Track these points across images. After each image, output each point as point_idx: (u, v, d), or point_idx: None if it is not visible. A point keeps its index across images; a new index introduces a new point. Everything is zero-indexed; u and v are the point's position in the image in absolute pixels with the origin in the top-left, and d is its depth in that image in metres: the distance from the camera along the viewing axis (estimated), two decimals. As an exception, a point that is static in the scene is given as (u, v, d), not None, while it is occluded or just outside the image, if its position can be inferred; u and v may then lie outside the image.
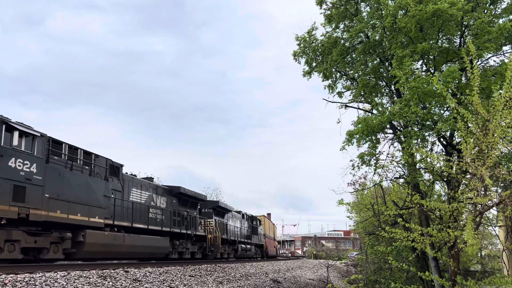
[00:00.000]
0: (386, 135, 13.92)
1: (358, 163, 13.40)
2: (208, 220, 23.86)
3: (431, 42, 11.86)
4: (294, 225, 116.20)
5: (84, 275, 9.21)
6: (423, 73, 12.37)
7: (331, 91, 15.91)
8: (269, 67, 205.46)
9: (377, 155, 13.32)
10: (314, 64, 15.29)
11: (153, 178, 21.04)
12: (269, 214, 57.96)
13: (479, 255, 21.80)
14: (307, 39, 15.05)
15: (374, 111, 14.02)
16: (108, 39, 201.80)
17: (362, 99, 15.00)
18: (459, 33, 12.35)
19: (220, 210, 26.05)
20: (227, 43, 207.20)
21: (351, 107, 15.88)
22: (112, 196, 14.54)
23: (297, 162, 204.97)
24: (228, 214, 27.46)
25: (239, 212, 31.71)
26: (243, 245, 29.23)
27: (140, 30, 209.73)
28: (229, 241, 26.59)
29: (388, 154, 13.76)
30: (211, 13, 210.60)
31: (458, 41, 12.71)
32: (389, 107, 12.77)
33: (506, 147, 7.86)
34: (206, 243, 22.09)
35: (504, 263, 11.53)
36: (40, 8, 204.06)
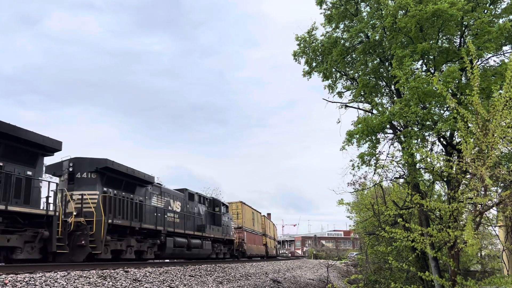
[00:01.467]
0: (386, 135, 13.93)
1: (358, 163, 13.40)
2: (79, 192, 14.19)
3: (431, 42, 11.86)
4: (294, 225, 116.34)
5: (84, 275, 9.22)
6: (423, 73, 12.36)
7: (331, 91, 15.91)
8: (267, 67, 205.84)
9: (377, 155, 13.31)
10: (314, 64, 15.28)
11: None
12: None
13: (479, 255, 21.79)
14: (307, 39, 15.05)
15: (374, 111, 14.02)
16: (106, 39, 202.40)
17: (362, 99, 14.99)
18: (459, 33, 12.35)
19: (118, 177, 15.52)
20: (224, 43, 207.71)
21: (351, 107, 15.89)
22: None
23: (297, 162, 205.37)
24: (148, 189, 17.59)
25: (182, 190, 21.44)
26: (181, 239, 19.00)
27: (137, 30, 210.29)
28: (143, 231, 16.50)
29: (388, 154, 13.76)
30: (208, 13, 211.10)
31: (458, 41, 12.71)
32: (389, 107, 12.77)
33: (506, 147, 7.85)
34: (52, 232, 11.70)
35: (504, 263, 11.52)
36: (37, 8, 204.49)
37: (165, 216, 18.40)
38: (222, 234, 24.85)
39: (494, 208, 7.86)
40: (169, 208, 19.28)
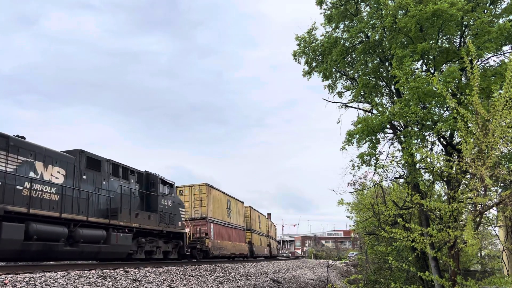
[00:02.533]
0: (386, 135, 13.94)
1: (358, 163, 13.42)
2: None
3: (431, 42, 11.87)
4: (294, 225, 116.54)
5: (84, 275, 9.22)
6: (423, 73, 12.37)
7: (331, 91, 15.94)
8: (265, 67, 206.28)
9: (377, 155, 13.32)
10: (314, 64, 15.30)
11: None
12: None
13: (479, 255, 21.80)
14: (307, 39, 15.07)
15: (374, 111, 14.03)
16: (104, 39, 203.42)
17: (362, 99, 15.01)
18: (459, 33, 12.36)
19: None
20: (222, 43, 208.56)
21: (351, 107, 15.91)
22: None
23: (297, 162, 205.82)
24: None
25: (73, 152, 13.51)
26: (51, 227, 11.57)
27: (135, 30, 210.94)
28: None
29: (388, 154, 13.78)
30: (206, 13, 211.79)
31: (458, 41, 12.71)
32: (389, 107, 12.77)
33: (506, 147, 7.85)
34: None
35: (504, 263, 11.53)
36: (35, 8, 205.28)
37: (16, 187, 11.03)
38: (159, 223, 16.84)
39: (494, 208, 7.86)
40: (31, 174, 11.59)
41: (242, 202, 32.60)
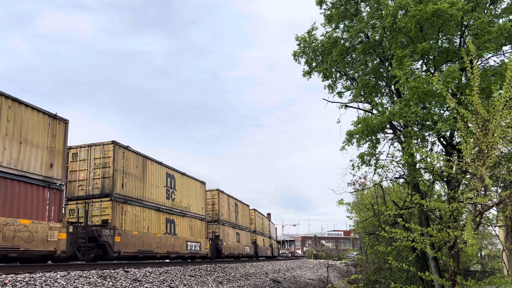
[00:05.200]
0: (386, 135, 13.93)
1: (358, 163, 13.40)
2: None
3: (431, 42, 11.87)
4: (294, 225, 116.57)
5: (84, 275, 9.22)
6: (423, 73, 12.37)
7: (331, 91, 15.92)
8: (261, 66, 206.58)
9: (377, 155, 13.31)
10: (314, 64, 15.29)
11: None
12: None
13: (479, 255, 21.78)
14: (307, 39, 15.06)
15: (374, 111, 14.02)
16: (98, 39, 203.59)
17: (362, 99, 15.00)
18: (459, 33, 12.36)
19: None
20: (217, 43, 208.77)
21: (351, 107, 15.89)
22: None
23: (296, 162, 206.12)
24: None
25: None
26: None
27: (129, 29, 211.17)
28: None
29: (388, 154, 13.76)
30: (200, 12, 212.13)
31: (458, 41, 12.71)
32: (389, 107, 12.77)
33: (506, 147, 7.85)
34: None
35: (504, 263, 11.53)
36: (28, 8, 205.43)
37: None
38: None
39: (494, 208, 7.86)
40: None
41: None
